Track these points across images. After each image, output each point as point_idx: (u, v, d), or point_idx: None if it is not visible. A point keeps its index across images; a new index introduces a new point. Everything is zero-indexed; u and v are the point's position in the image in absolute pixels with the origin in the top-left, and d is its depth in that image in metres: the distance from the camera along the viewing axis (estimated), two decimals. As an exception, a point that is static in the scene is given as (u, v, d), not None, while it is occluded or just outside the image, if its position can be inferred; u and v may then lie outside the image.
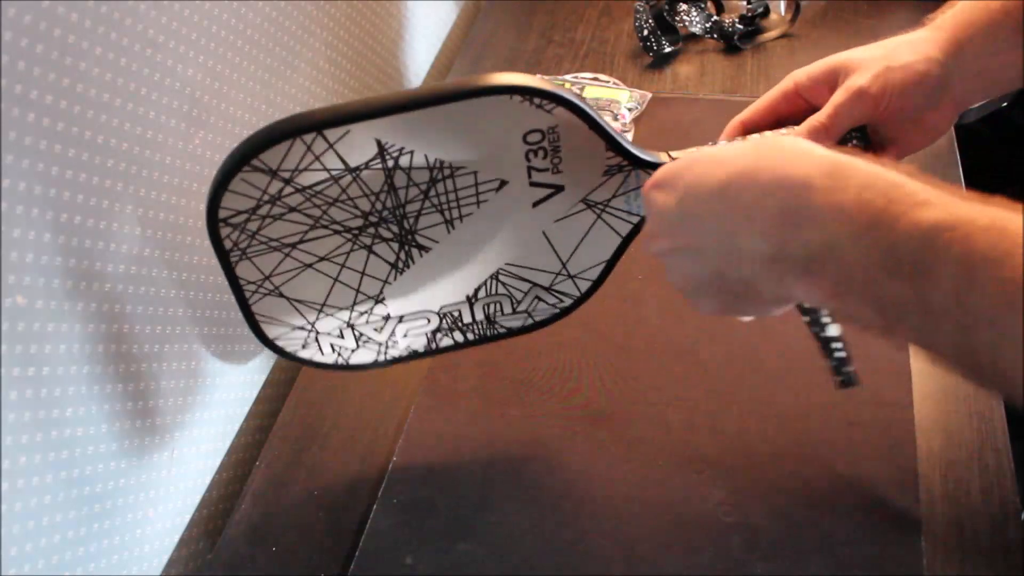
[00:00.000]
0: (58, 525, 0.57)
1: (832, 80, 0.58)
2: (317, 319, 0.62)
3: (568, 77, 1.05)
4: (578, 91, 1.01)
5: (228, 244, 0.56)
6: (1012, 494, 0.63)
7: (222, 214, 0.54)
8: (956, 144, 0.92)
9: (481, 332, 0.67)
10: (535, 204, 0.59)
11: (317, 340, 0.64)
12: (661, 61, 1.08)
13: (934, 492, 0.63)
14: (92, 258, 0.57)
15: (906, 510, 0.62)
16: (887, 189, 0.38)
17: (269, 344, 0.63)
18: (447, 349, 0.67)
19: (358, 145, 0.52)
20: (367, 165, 0.54)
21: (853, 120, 0.56)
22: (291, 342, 0.63)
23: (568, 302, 0.66)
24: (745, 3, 1.12)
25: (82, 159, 0.55)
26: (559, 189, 0.58)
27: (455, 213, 0.58)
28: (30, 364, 0.53)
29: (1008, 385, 0.35)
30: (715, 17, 1.10)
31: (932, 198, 0.37)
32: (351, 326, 0.63)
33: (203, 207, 0.68)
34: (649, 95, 1.01)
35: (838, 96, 0.56)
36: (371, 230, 0.58)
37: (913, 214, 0.36)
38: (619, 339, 0.76)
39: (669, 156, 0.57)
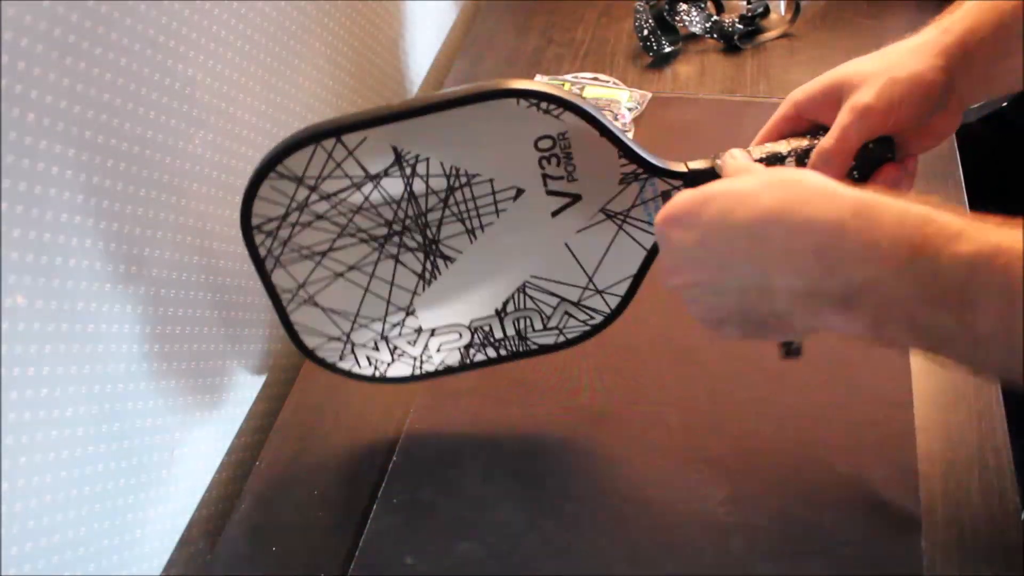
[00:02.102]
0: (58, 525, 0.57)
1: (834, 97, 0.56)
2: (352, 330, 0.64)
3: (568, 77, 1.05)
4: (578, 91, 1.01)
5: (263, 251, 0.59)
6: (1012, 494, 0.63)
7: (255, 221, 0.58)
8: (956, 144, 0.92)
9: (514, 348, 0.67)
10: (554, 214, 0.59)
11: (354, 352, 0.66)
12: (661, 61, 1.08)
13: (934, 492, 0.63)
14: (91, 258, 0.57)
15: (906, 510, 0.62)
16: (920, 224, 0.39)
17: (309, 354, 0.66)
18: (482, 364, 0.68)
19: (376, 152, 0.55)
20: (386, 172, 0.56)
21: (861, 138, 0.54)
22: (329, 353, 0.66)
23: (598, 319, 0.66)
24: (745, 3, 1.12)
25: (81, 159, 0.55)
26: (576, 198, 0.58)
27: (476, 223, 0.60)
28: (30, 364, 0.53)
29: None
30: (715, 17, 1.10)
31: (965, 229, 0.38)
32: (385, 339, 0.65)
33: (203, 207, 0.69)
34: (649, 95, 1.01)
35: (843, 117, 0.54)
36: (396, 239, 0.60)
37: (951, 247, 0.38)
38: (619, 339, 0.76)
39: (687, 166, 0.57)
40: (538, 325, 0.66)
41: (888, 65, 0.55)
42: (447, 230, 0.60)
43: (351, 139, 0.54)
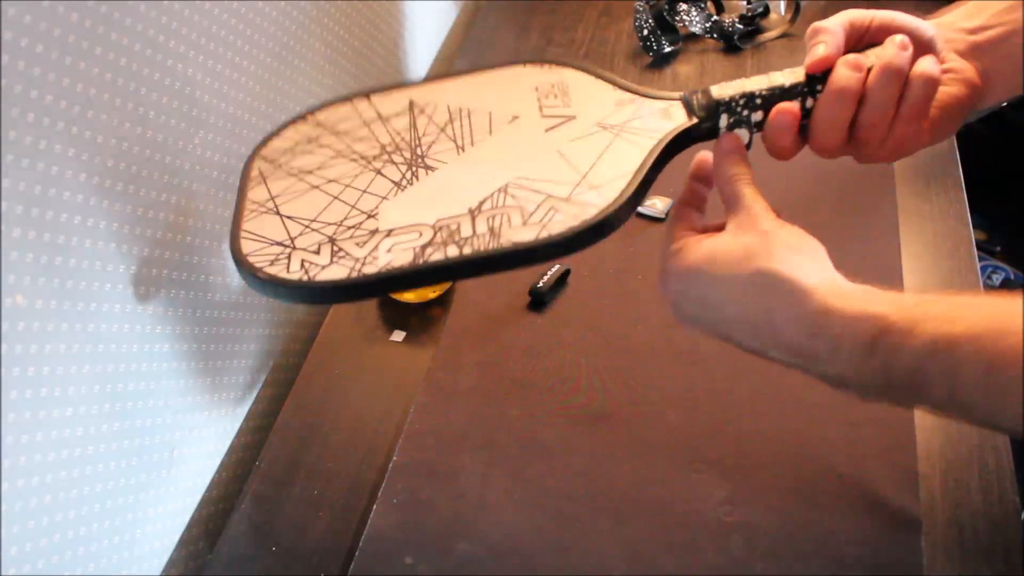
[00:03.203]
0: (58, 525, 0.57)
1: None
2: (300, 234, 0.55)
3: (568, 77, 1.05)
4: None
5: (254, 171, 0.60)
6: (1012, 494, 0.63)
7: (263, 151, 0.60)
8: (956, 144, 0.92)
9: (481, 246, 0.53)
10: (548, 130, 0.59)
11: (289, 256, 0.54)
12: (661, 61, 1.08)
13: (934, 492, 0.63)
14: (91, 258, 0.57)
15: (906, 510, 0.62)
16: (872, 327, 0.45)
17: (239, 260, 0.55)
18: (437, 268, 0.53)
19: (393, 103, 0.61)
20: (396, 115, 0.61)
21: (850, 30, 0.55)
22: (261, 258, 0.54)
23: (592, 212, 0.53)
24: (745, 3, 1.12)
25: (81, 159, 0.55)
26: (571, 118, 0.60)
27: (467, 141, 0.60)
28: (30, 364, 0.53)
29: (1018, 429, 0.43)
30: (715, 17, 1.10)
31: (911, 325, 0.44)
32: (332, 240, 0.55)
33: (203, 206, 0.69)
34: (671, 202, 1.00)
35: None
36: (384, 156, 0.61)
37: (900, 344, 0.44)
38: (619, 339, 0.76)
39: (681, 99, 0.57)
40: (517, 221, 0.53)
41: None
42: (436, 147, 0.60)
43: (379, 98, 0.61)
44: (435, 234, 0.53)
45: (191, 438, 0.70)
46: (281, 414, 0.76)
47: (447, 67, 1.17)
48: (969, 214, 0.84)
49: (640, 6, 1.08)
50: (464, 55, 1.15)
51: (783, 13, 1.13)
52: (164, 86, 0.62)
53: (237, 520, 0.68)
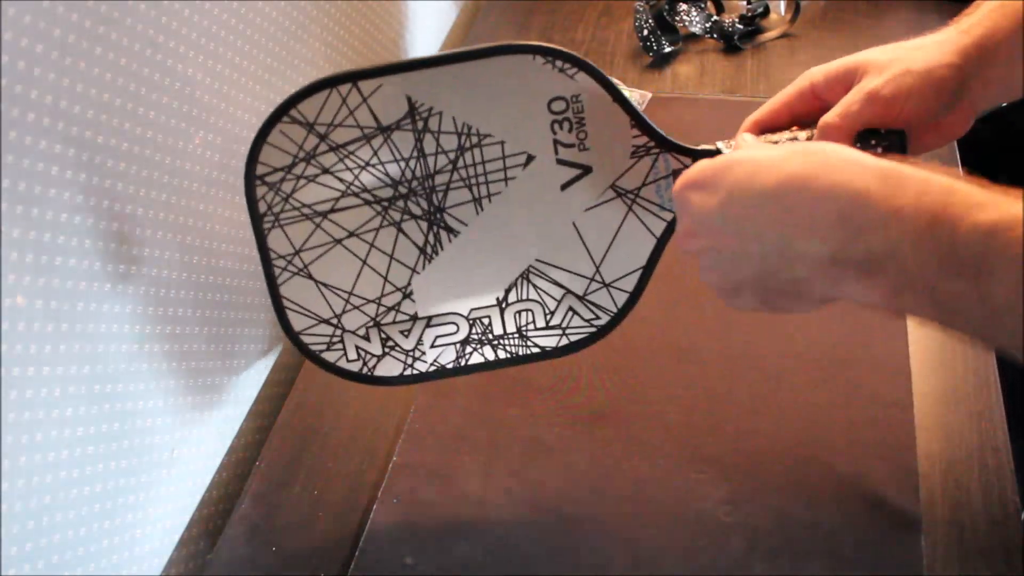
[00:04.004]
0: (58, 525, 0.57)
1: (849, 80, 0.56)
2: (344, 311, 0.62)
3: (568, 77, 1.05)
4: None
5: (263, 207, 0.58)
6: (1012, 494, 0.63)
7: (259, 170, 0.57)
8: (956, 144, 0.92)
9: (513, 350, 0.65)
10: (563, 187, 0.59)
11: (343, 340, 0.63)
12: (661, 61, 1.08)
13: (934, 492, 0.63)
14: (91, 258, 0.57)
15: (906, 510, 0.62)
16: (942, 193, 0.40)
17: (294, 338, 0.62)
18: (477, 368, 0.65)
19: (390, 101, 0.56)
20: (398, 125, 0.56)
21: (863, 121, 0.55)
22: (317, 339, 0.63)
23: (604, 319, 0.64)
24: (745, 3, 1.12)
25: (82, 159, 0.55)
26: (586, 171, 0.58)
27: (483, 191, 0.59)
28: (30, 364, 0.53)
29: None
30: (715, 17, 1.10)
31: (986, 200, 0.39)
32: (377, 325, 0.63)
33: (203, 207, 0.69)
34: (649, 95, 1.01)
35: (850, 96, 0.55)
36: (400, 203, 0.59)
37: (971, 216, 0.38)
38: (619, 339, 0.76)
39: (694, 148, 0.57)
40: (540, 322, 0.64)
41: (905, 57, 0.55)
42: (453, 197, 0.59)
43: (367, 86, 0.55)
44: (471, 328, 0.63)
45: (191, 438, 0.70)
46: (281, 414, 0.76)
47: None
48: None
49: (640, 6, 1.08)
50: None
51: (783, 13, 1.13)
52: (164, 86, 0.62)
53: (237, 520, 0.68)
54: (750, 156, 0.47)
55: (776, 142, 0.57)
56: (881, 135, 0.55)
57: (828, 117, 0.55)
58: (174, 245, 0.66)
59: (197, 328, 0.69)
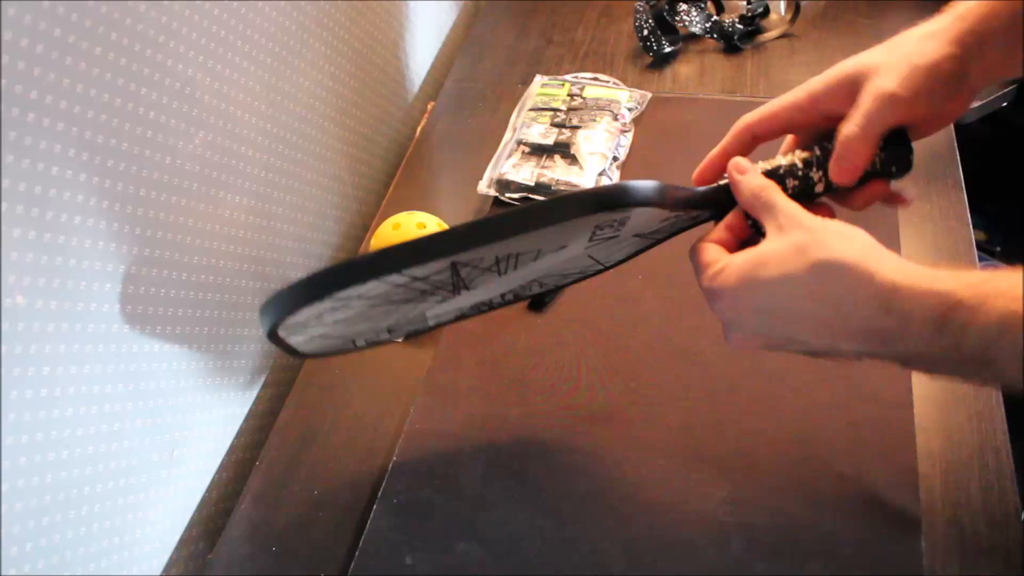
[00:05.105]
0: (58, 525, 0.57)
1: (850, 88, 0.55)
2: (340, 334, 0.60)
3: (568, 77, 1.05)
4: (578, 91, 1.01)
5: (283, 332, 0.54)
6: (1012, 494, 0.63)
7: (280, 332, 0.53)
8: (956, 144, 0.92)
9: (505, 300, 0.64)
10: (587, 247, 0.57)
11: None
12: (661, 61, 1.08)
13: (934, 492, 0.63)
14: (91, 258, 0.57)
15: (906, 510, 0.62)
16: (940, 303, 0.45)
17: (273, 337, 0.57)
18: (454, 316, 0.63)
19: (432, 266, 0.50)
20: (436, 272, 0.52)
21: (885, 125, 0.54)
22: (301, 344, 0.59)
23: (597, 267, 0.64)
24: (745, 3, 1.12)
25: (81, 159, 0.55)
26: (614, 237, 0.56)
27: (511, 268, 0.56)
28: (30, 364, 0.53)
29: None
30: (715, 17, 1.10)
31: (979, 302, 0.44)
32: (373, 345, 0.64)
33: (203, 207, 0.69)
34: (649, 95, 1.01)
35: (867, 103, 0.54)
36: (424, 296, 0.56)
37: (970, 321, 0.44)
38: (619, 339, 0.76)
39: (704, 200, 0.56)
40: (535, 289, 0.64)
41: (906, 53, 0.55)
42: (478, 280, 0.56)
43: (418, 270, 0.50)
44: (470, 311, 0.62)
45: (191, 438, 0.70)
46: (281, 414, 0.76)
47: (447, 67, 1.17)
48: (969, 214, 0.84)
49: (640, 6, 1.08)
50: (464, 55, 1.15)
51: (783, 13, 1.13)
52: (164, 86, 0.62)
53: (237, 520, 0.68)
54: (776, 277, 0.50)
55: (776, 168, 0.56)
56: (894, 146, 0.55)
57: (848, 128, 0.54)
58: (174, 246, 0.66)
59: (197, 329, 0.70)
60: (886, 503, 0.63)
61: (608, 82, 1.04)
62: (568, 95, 1.00)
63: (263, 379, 0.81)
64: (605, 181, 0.90)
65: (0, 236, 0.50)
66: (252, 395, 0.80)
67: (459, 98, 1.08)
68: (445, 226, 0.82)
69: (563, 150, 0.92)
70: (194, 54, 0.65)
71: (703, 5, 1.11)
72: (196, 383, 0.70)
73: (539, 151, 0.93)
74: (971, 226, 0.83)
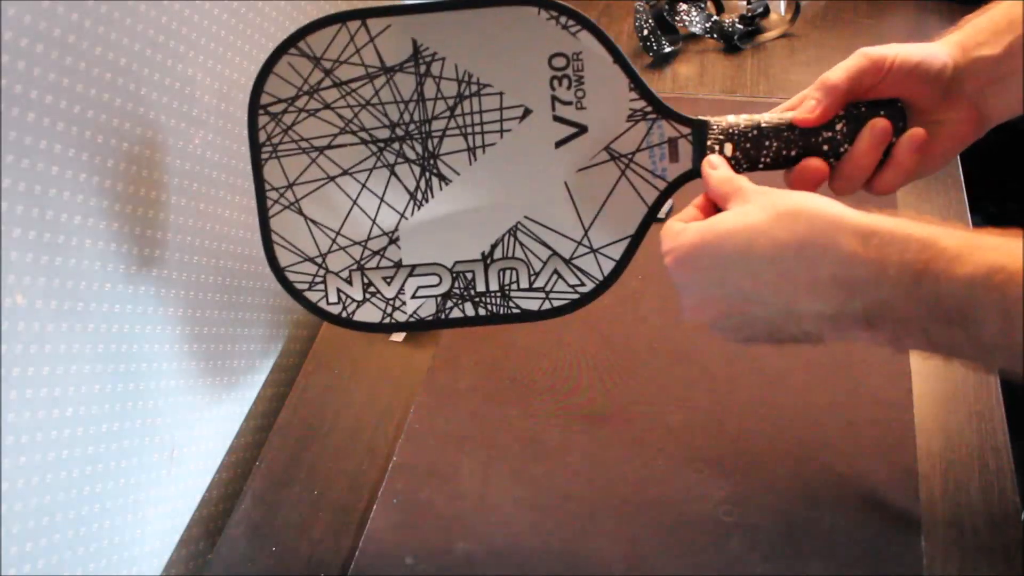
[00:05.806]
0: (58, 525, 0.57)
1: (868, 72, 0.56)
2: (330, 250, 0.62)
3: (568, 77, 1.05)
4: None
5: (263, 136, 0.59)
6: (1012, 494, 0.63)
7: (264, 100, 0.58)
8: (956, 144, 0.91)
9: (494, 308, 0.63)
10: (558, 144, 0.59)
11: (325, 280, 0.63)
12: (661, 61, 1.08)
13: (934, 492, 0.63)
14: (91, 258, 0.57)
15: (906, 510, 0.62)
16: (921, 249, 0.43)
17: (279, 274, 0.62)
18: (456, 323, 0.64)
19: (396, 42, 0.58)
20: (401, 67, 0.58)
21: (861, 76, 0.55)
22: (301, 277, 0.63)
23: (589, 286, 0.63)
24: (745, 3, 1.12)
25: (82, 159, 0.55)
26: (582, 130, 0.59)
27: (478, 141, 0.59)
28: (30, 364, 0.53)
29: None
30: (715, 17, 1.10)
31: (963, 251, 0.42)
32: (361, 268, 0.62)
33: (203, 207, 0.69)
34: None
35: (853, 58, 0.55)
36: (396, 145, 0.60)
37: (951, 270, 0.42)
38: (619, 339, 0.76)
39: (690, 118, 0.58)
40: (524, 283, 0.63)
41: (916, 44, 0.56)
42: (448, 144, 0.60)
43: (375, 24, 0.57)
44: (453, 281, 0.62)
45: (191, 438, 0.70)
46: (281, 414, 0.76)
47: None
48: (969, 214, 0.84)
49: (640, 6, 1.08)
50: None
51: (783, 13, 1.13)
52: (164, 86, 0.62)
53: (237, 520, 0.68)
54: (739, 226, 0.49)
55: (753, 123, 0.57)
56: (875, 104, 0.56)
57: (832, 75, 0.55)
58: (174, 245, 0.66)
59: (197, 329, 0.70)
60: (886, 503, 0.63)
61: (608, 82, 1.04)
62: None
63: (263, 379, 0.81)
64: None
65: (0, 236, 0.50)
66: (252, 395, 0.80)
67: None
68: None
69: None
70: (194, 54, 0.65)
71: (703, 5, 1.11)
72: (196, 383, 0.70)
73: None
74: (971, 226, 0.83)
